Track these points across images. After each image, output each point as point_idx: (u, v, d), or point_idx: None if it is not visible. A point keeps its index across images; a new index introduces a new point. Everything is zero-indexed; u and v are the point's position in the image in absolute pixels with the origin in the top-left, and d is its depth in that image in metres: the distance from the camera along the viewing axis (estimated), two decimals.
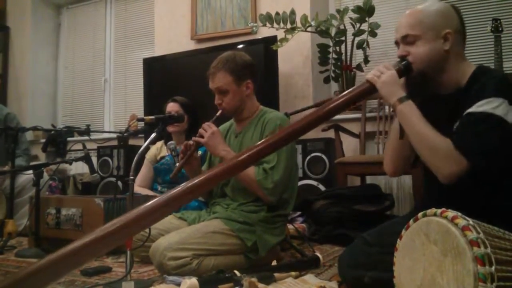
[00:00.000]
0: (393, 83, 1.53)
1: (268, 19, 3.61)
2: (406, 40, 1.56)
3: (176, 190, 1.34)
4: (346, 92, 1.59)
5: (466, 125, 1.43)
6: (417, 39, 1.54)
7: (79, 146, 4.31)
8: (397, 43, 1.62)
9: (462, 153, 1.39)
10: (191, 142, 2.15)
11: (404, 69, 1.55)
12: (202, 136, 2.14)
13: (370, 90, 1.57)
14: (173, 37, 4.54)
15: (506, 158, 1.43)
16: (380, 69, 1.56)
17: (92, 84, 5.41)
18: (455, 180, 1.41)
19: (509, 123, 1.40)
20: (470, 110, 1.43)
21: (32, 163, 3.37)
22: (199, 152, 2.60)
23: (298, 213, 3.14)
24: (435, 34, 1.53)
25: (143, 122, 2.10)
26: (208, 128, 2.14)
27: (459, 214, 1.18)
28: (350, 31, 3.66)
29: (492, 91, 1.42)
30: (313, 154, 3.45)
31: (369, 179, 3.52)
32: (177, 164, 2.20)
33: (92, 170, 2.76)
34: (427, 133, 1.46)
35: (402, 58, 1.57)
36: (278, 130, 2.12)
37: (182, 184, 1.36)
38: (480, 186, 1.45)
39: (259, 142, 1.49)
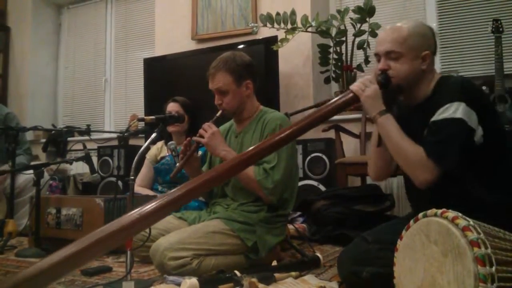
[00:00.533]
0: (376, 97, 1.64)
1: (269, 19, 3.61)
2: (389, 55, 1.66)
3: (177, 190, 1.34)
4: (332, 101, 1.68)
5: (431, 134, 1.55)
6: (400, 56, 1.64)
7: (80, 146, 4.30)
8: (377, 55, 1.71)
9: (433, 162, 1.51)
10: (191, 141, 2.16)
11: (384, 83, 1.65)
12: (202, 137, 2.14)
13: (354, 100, 1.67)
14: (173, 37, 4.54)
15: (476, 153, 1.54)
16: (365, 82, 1.66)
17: (92, 84, 5.41)
18: (431, 185, 1.53)
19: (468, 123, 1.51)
20: (433, 119, 1.57)
21: (32, 163, 3.37)
22: (200, 153, 2.60)
23: (299, 213, 3.14)
24: (415, 54, 1.65)
25: (143, 122, 2.10)
26: (208, 129, 2.14)
27: (460, 214, 1.18)
28: (350, 31, 3.66)
29: (448, 97, 1.55)
30: (313, 154, 3.45)
31: (370, 180, 3.51)
32: (177, 164, 2.20)
33: (92, 170, 2.76)
34: (402, 144, 1.59)
35: (383, 71, 1.67)
36: (279, 130, 2.14)
37: (183, 184, 1.36)
38: (454, 185, 1.55)
39: (260, 143, 1.50)
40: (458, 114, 1.50)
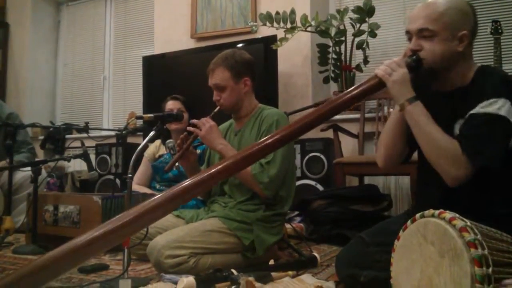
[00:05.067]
0: (404, 82, 1.48)
1: (268, 18, 3.61)
2: (421, 33, 1.50)
3: (176, 188, 1.33)
4: (355, 86, 1.52)
5: (470, 128, 1.43)
6: (434, 35, 1.48)
7: (78, 144, 4.29)
8: (408, 32, 1.55)
9: (468, 157, 1.39)
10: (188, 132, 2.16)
11: (415, 66, 1.49)
12: (199, 128, 2.14)
13: (379, 86, 1.51)
14: (172, 35, 4.53)
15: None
16: (392, 66, 1.49)
17: (91, 82, 5.40)
18: (462, 182, 1.42)
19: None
20: (473, 111, 1.43)
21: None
22: (198, 151, 2.60)
23: (296, 212, 3.14)
24: (452, 33, 1.49)
25: (142, 120, 2.10)
26: (206, 122, 2.15)
27: (457, 215, 1.18)
28: (350, 31, 3.66)
29: (495, 91, 1.41)
30: (311, 154, 3.45)
31: (367, 180, 3.52)
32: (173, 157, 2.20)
33: (90, 167, 2.76)
34: (435, 134, 1.45)
35: (414, 52, 1.51)
36: (276, 126, 2.14)
37: (182, 182, 1.36)
38: (481, 190, 1.45)
39: (263, 139, 1.45)
40: (503, 112, 1.38)
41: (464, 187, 1.43)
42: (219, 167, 1.40)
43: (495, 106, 1.39)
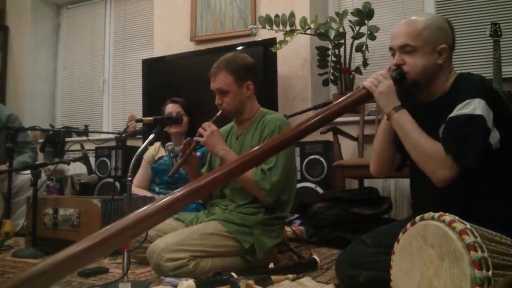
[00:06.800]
0: (390, 93, 1.58)
1: (268, 21, 3.61)
2: (404, 49, 1.61)
3: (178, 192, 1.34)
4: (344, 97, 1.64)
5: (450, 130, 1.51)
6: (415, 50, 1.59)
7: (77, 147, 4.31)
8: (391, 49, 1.66)
9: (452, 158, 1.47)
10: (191, 141, 2.16)
11: (399, 79, 1.60)
12: (201, 136, 2.14)
13: (367, 97, 1.62)
14: (172, 38, 4.54)
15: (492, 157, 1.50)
16: (378, 78, 1.60)
17: (90, 85, 5.40)
18: (449, 183, 1.48)
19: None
20: (451, 114, 1.51)
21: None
22: (198, 153, 2.60)
23: (296, 215, 3.14)
24: (432, 48, 1.59)
25: (141, 123, 2.10)
26: (207, 128, 2.15)
27: (457, 218, 1.18)
28: (349, 34, 3.66)
29: (469, 93, 1.51)
30: (311, 157, 3.45)
31: (367, 182, 3.51)
32: (176, 163, 2.20)
33: (90, 170, 2.77)
34: (420, 140, 1.53)
35: (397, 66, 1.62)
36: (278, 131, 2.14)
37: (184, 186, 1.36)
38: (467, 188, 1.52)
39: (263, 144, 1.48)
40: (478, 111, 1.46)
41: (454, 186, 1.49)
42: (222, 171, 1.42)
43: (471, 106, 1.47)
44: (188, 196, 1.35)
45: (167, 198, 1.31)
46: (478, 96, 1.48)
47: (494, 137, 1.50)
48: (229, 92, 2.20)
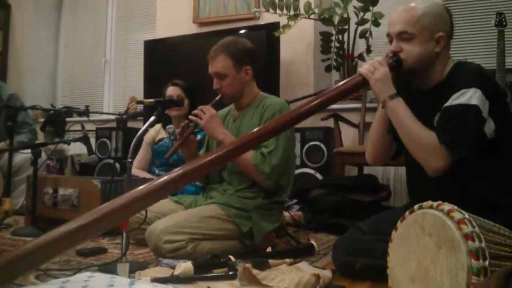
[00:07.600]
0: (386, 80, 1.58)
1: (272, 4, 3.58)
2: (401, 36, 1.60)
3: (173, 173, 1.34)
4: (340, 84, 1.63)
5: (445, 120, 1.51)
6: (413, 37, 1.58)
7: (78, 127, 4.29)
8: (389, 35, 1.65)
9: (446, 148, 1.47)
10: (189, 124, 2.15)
11: (395, 66, 1.60)
12: (200, 118, 2.13)
13: (363, 83, 1.62)
14: (175, 19, 4.50)
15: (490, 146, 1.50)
16: (374, 64, 1.59)
17: (92, 65, 5.37)
18: (443, 173, 1.49)
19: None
20: (447, 104, 1.51)
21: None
22: (198, 137, 2.60)
23: (295, 200, 3.15)
24: (429, 35, 1.59)
25: (142, 105, 2.09)
26: (207, 111, 2.14)
27: (455, 207, 1.18)
28: (353, 20, 3.63)
29: (465, 83, 1.50)
30: (311, 143, 3.45)
31: (367, 170, 3.52)
32: (174, 146, 2.19)
33: (90, 151, 2.75)
34: (414, 129, 1.54)
35: (394, 53, 1.61)
36: (278, 115, 2.13)
37: (180, 167, 1.36)
38: (462, 178, 1.53)
39: (261, 126, 1.48)
40: (474, 101, 1.45)
41: (449, 176, 1.49)
42: (219, 153, 1.42)
43: (467, 96, 1.47)
44: (183, 177, 1.35)
45: (162, 179, 1.32)
46: (474, 86, 1.48)
47: (489, 127, 1.49)
48: (227, 76, 2.18)
